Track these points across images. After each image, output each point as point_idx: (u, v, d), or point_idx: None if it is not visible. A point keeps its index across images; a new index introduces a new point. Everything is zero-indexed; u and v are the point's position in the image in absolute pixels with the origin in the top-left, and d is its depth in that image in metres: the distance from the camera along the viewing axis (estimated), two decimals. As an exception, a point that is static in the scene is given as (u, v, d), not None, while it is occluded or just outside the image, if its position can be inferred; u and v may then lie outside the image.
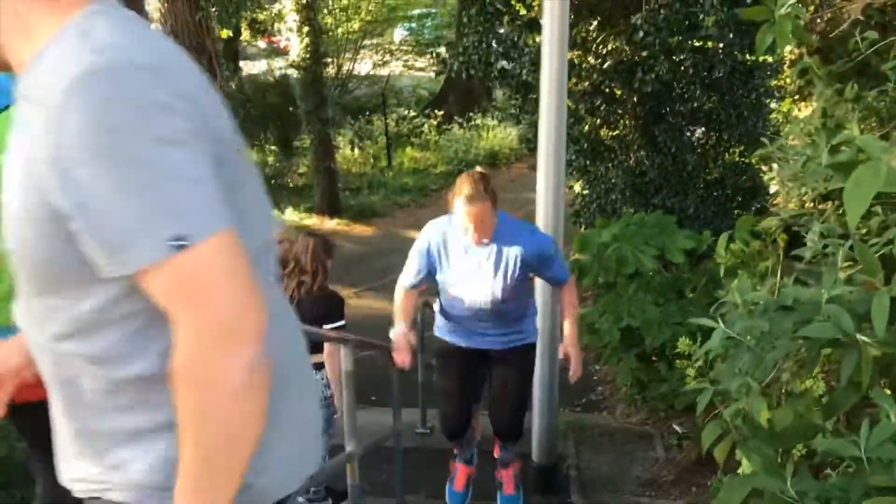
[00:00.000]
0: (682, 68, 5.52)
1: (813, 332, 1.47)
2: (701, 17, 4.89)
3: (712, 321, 1.51)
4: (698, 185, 6.62)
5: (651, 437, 4.72)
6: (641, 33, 4.99)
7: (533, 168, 3.95)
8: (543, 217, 3.72)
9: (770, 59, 5.47)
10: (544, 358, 3.89)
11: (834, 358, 1.58)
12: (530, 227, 3.35)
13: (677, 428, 4.53)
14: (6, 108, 1.91)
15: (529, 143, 7.30)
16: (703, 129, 6.80)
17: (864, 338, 1.42)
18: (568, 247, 5.34)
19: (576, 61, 6.66)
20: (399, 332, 3.22)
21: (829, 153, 1.55)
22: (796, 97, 7.02)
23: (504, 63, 5.89)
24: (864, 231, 1.66)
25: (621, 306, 4.68)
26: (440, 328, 3.51)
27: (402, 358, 3.16)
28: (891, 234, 1.49)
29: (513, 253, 3.08)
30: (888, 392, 1.62)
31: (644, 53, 5.32)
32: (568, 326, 3.30)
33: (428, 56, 14.47)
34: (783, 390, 1.82)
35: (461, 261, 3.14)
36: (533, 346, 3.53)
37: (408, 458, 4.33)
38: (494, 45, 5.85)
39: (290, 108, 13.59)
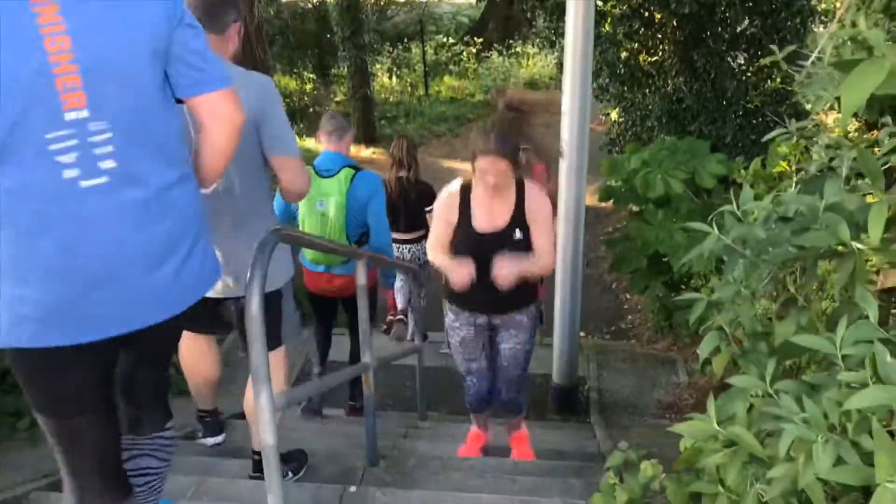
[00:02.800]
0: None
1: (808, 240, 1.45)
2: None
3: (707, 227, 1.51)
4: (738, 113, 6.46)
5: (674, 363, 4.74)
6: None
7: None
8: (569, 139, 3.68)
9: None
10: (565, 280, 3.91)
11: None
12: None
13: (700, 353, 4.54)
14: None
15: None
16: (744, 54, 6.59)
17: (859, 245, 1.40)
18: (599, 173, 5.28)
19: (615, -18, 6.47)
20: None
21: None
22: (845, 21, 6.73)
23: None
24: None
25: (649, 233, 4.64)
26: None
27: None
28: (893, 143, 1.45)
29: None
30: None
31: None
32: None
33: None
34: (789, 301, 1.81)
35: None
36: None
37: (431, 376, 4.44)
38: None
39: (328, 35, 13.45)
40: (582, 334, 5.91)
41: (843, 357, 1.13)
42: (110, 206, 1.49)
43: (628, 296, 6.66)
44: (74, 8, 1.41)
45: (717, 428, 1.32)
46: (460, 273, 2.69)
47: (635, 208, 5.04)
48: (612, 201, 5.05)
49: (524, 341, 3.00)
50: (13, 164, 1.42)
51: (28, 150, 1.41)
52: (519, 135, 3.31)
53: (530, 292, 2.96)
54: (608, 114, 8.22)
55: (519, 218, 2.74)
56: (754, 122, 6.49)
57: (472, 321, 2.96)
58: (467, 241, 2.76)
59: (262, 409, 1.66)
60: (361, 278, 2.58)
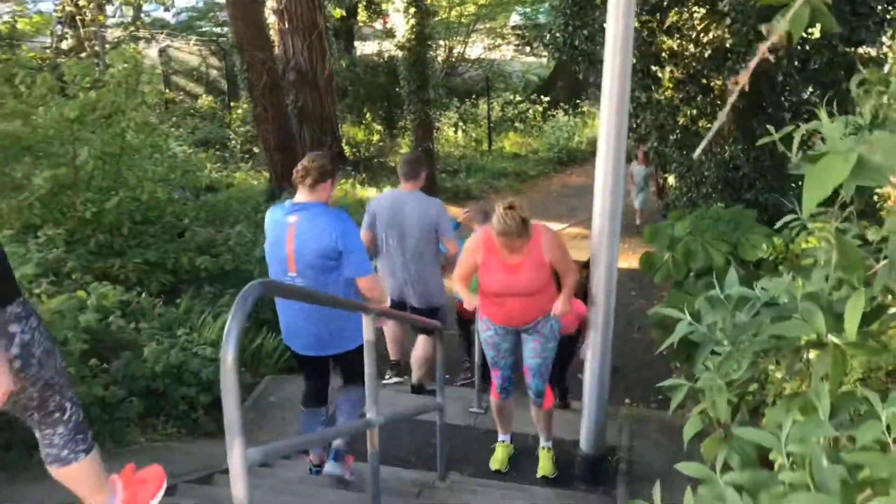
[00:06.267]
0: (776, 58, 5.24)
1: (784, 329, 1.40)
2: (794, 4, 4.63)
3: (679, 312, 1.47)
4: (798, 183, 6.32)
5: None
6: (728, 20, 4.79)
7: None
8: (601, 204, 3.65)
9: (872, 52, 5.13)
10: (595, 345, 3.84)
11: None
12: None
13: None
14: None
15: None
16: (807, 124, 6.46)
17: (834, 338, 1.35)
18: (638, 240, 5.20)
19: (675, 48, 6.47)
20: None
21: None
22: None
23: (588, 46, 5.78)
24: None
25: (689, 304, 4.52)
26: None
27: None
28: (882, 232, 1.40)
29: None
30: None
31: (733, 41, 5.09)
32: None
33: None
34: (778, 390, 1.75)
35: None
36: None
37: (458, 436, 4.39)
38: (580, 27, 5.75)
39: (396, 89, 13.79)
40: (627, 401, 5.78)
41: (789, 455, 1.08)
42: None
43: (678, 364, 6.48)
44: (295, 232, 3.22)
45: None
46: None
47: (672, 275, 4.94)
48: (650, 268, 4.97)
49: None
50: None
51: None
52: None
53: None
54: (666, 178, 8.16)
55: None
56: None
57: None
58: None
59: (234, 462, 1.67)
60: (369, 333, 2.61)
